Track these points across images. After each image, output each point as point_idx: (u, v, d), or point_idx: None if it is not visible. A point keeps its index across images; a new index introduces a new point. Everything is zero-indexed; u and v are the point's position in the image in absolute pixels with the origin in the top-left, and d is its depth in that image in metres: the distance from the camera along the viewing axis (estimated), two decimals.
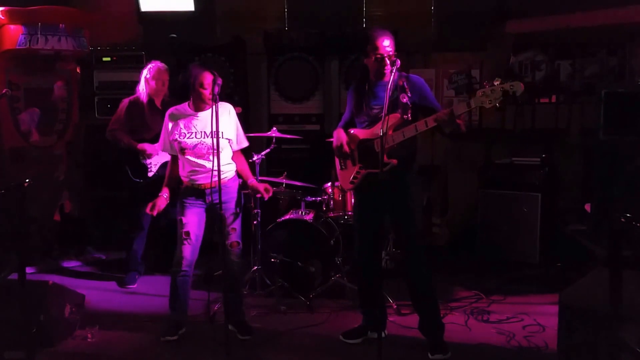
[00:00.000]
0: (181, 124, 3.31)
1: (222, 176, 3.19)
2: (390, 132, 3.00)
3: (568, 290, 2.92)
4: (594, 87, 4.77)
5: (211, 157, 3.26)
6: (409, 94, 3.03)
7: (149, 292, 4.22)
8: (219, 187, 3.04)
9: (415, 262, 3.17)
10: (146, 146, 4.22)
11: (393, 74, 2.91)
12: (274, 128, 4.24)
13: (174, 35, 5.31)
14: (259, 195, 3.49)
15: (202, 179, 3.30)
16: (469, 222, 5.00)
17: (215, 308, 3.70)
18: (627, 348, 2.37)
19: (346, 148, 3.17)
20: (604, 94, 3.90)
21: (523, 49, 5.17)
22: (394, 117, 3.01)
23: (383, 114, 2.85)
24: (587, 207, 3.69)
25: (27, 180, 2.93)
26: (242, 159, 3.49)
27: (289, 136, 4.37)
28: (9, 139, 4.97)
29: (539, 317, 3.60)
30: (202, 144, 3.27)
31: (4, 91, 4.20)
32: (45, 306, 3.19)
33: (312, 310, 3.78)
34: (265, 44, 5.44)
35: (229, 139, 3.36)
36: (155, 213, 3.32)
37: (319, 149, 5.06)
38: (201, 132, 3.28)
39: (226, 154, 3.34)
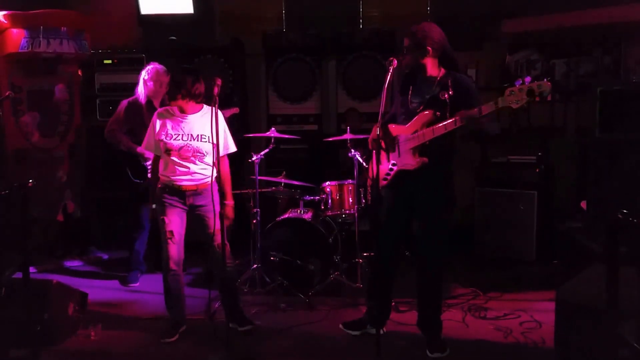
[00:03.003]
0: (169, 124, 3.32)
1: (204, 180, 3.23)
2: (422, 130, 3.00)
3: (565, 286, 2.94)
4: (589, 86, 4.80)
5: (197, 161, 3.29)
6: (451, 92, 2.98)
7: (151, 290, 4.25)
8: (216, 186, 3.06)
9: (430, 262, 3.17)
10: (145, 151, 4.25)
11: (391, 74, 2.92)
12: (273, 128, 4.27)
13: (174, 38, 5.36)
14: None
15: (183, 181, 3.31)
16: (466, 220, 5.04)
17: (216, 306, 3.73)
18: (625, 344, 2.39)
19: (382, 143, 3.12)
20: (600, 92, 3.92)
21: (518, 48, 5.21)
22: (428, 114, 3.01)
23: (381, 111, 2.88)
24: (583, 204, 3.71)
25: (30, 181, 2.98)
26: (227, 167, 3.44)
27: (287, 136, 4.41)
28: (13, 141, 5.03)
29: (535, 314, 3.63)
30: (188, 147, 3.28)
31: (7, 94, 4.27)
32: (49, 305, 3.23)
33: (311, 308, 3.82)
34: (264, 46, 5.49)
35: (214, 144, 3.35)
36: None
37: (317, 148, 5.11)
38: (188, 134, 3.29)
39: (210, 158, 3.32)
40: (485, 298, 3.99)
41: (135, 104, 4.33)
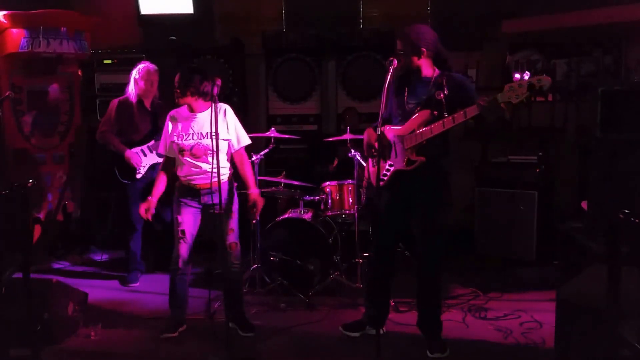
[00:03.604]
0: (180, 125, 3.35)
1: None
2: (420, 130, 3.01)
3: (565, 287, 2.94)
4: (589, 86, 4.81)
5: (209, 159, 3.30)
6: (446, 91, 3.00)
7: (151, 290, 4.26)
8: (218, 188, 3.07)
9: (429, 261, 3.18)
10: (132, 156, 4.25)
11: (391, 74, 2.94)
12: (273, 128, 4.28)
13: (174, 38, 5.36)
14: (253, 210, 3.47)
15: (198, 180, 3.34)
16: (465, 220, 5.04)
17: (216, 306, 3.75)
18: (625, 344, 2.39)
19: (375, 145, 3.15)
20: (601, 91, 3.91)
21: (519, 48, 5.21)
22: (424, 114, 3.03)
23: (380, 111, 2.89)
24: (584, 204, 3.71)
25: (30, 181, 2.98)
26: (245, 160, 3.46)
27: (287, 136, 4.41)
28: (13, 141, 5.03)
29: (536, 314, 3.63)
30: (200, 145, 3.30)
31: (7, 94, 4.27)
32: (49, 304, 3.24)
33: (311, 308, 3.82)
34: (264, 46, 5.48)
35: (226, 140, 3.38)
36: (149, 217, 3.40)
37: (317, 148, 5.10)
38: (198, 133, 3.32)
39: (222, 156, 3.33)
40: (486, 298, 3.98)
41: (126, 103, 4.32)
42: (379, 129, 2.93)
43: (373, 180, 3.33)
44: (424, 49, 3.05)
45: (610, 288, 2.39)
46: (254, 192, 3.45)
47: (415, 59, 3.07)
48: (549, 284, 4.02)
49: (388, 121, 3.24)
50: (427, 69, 3.10)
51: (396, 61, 3.01)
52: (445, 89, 3.00)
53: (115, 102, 4.36)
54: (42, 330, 3.12)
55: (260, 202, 3.45)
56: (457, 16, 5.13)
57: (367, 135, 3.25)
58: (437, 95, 3.00)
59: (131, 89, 4.30)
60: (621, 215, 2.36)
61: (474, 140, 5.22)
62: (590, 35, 4.99)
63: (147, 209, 3.37)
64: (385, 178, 3.18)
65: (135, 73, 4.28)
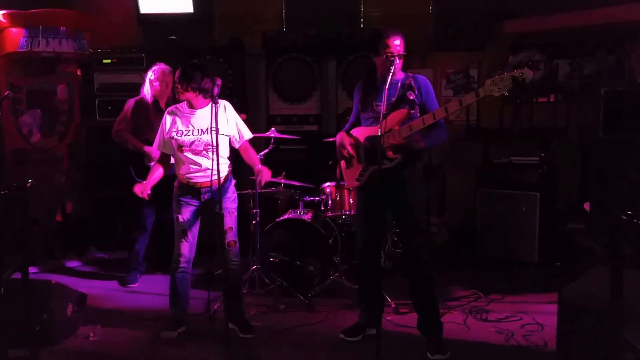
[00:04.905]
0: (179, 121, 3.35)
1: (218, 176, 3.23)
2: (397, 127, 3.03)
3: (567, 288, 2.93)
4: (592, 86, 4.79)
5: (209, 154, 3.29)
6: (416, 92, 3.08)
7: (150, 291, 4.26)
8: (218, 186, 3.06)
9: (417, 260, 3.18)
10: (153, 151, 4.24)
11: (392, 73, 2.96)
12: (273, 129, 4.27)
13: (173, 38, 5.34)
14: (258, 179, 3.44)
15: (198, 178, 3.33)
16: (467, 222, 5.01)
17: (216, 307, 3.73)
18: (628, 346, 2.37)
19: (349, 149, 3.20)
20: (604, 92, 3.90)
21: (521, 48, 5.19)
22: (401, 113, 3.05)
23: (382, 112, 2.89)
24: (586, 206, 3.69)
25: (29, 181, 2.97)
26: (249, 148, 3.48)
27: (287, 136, 4.40)
28: (12, 141, 5.02)
29: (537, 316, 3.62)
30: (199, 141, 3.30)
31: (6, 93, 4.25)
32: (48, 305, 3.23)
33: (310, 309, 3.81)
34: (264, 46, 5.46)
35: (227, 135, 3.38)
36: (145, 196, 3.38)
37: (317, 149, 5.08)
38: (198, 129, 3.31)
39: (223, 152, 3.35)
40: (487, 300, 3.97)
41: (142, 103, 4.34)
42: (380, 130, 2.92)
43: (347, 182, 3.34)
44: (404, 53, 3.10)
45: (612, 290, 2.37)
46: (261, 167, 3.41)
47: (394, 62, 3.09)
48: (551, 285, 4.00)
49: (357, 124, 3.27)
50: (398, 71, 3.13)
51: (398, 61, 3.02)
52: (415, 89, 3.07)
53: (131, 101, 4.38)
54: (41, 331, 3.12)
55: (266, 173, 3.39)
56: (458, 16, 5.10)
57: (340, 139, 3.27)
58: (409, 96, 3.07)
59: (146, 89, 4.32)
60: (624, 217, 2.35)
61: (475, 141, 5.20)
62: (593, 35, 4.96)
63: (142, 190, 3.36)
64: (362, 179, 3.19)
65: (150, 74, 4.32)
